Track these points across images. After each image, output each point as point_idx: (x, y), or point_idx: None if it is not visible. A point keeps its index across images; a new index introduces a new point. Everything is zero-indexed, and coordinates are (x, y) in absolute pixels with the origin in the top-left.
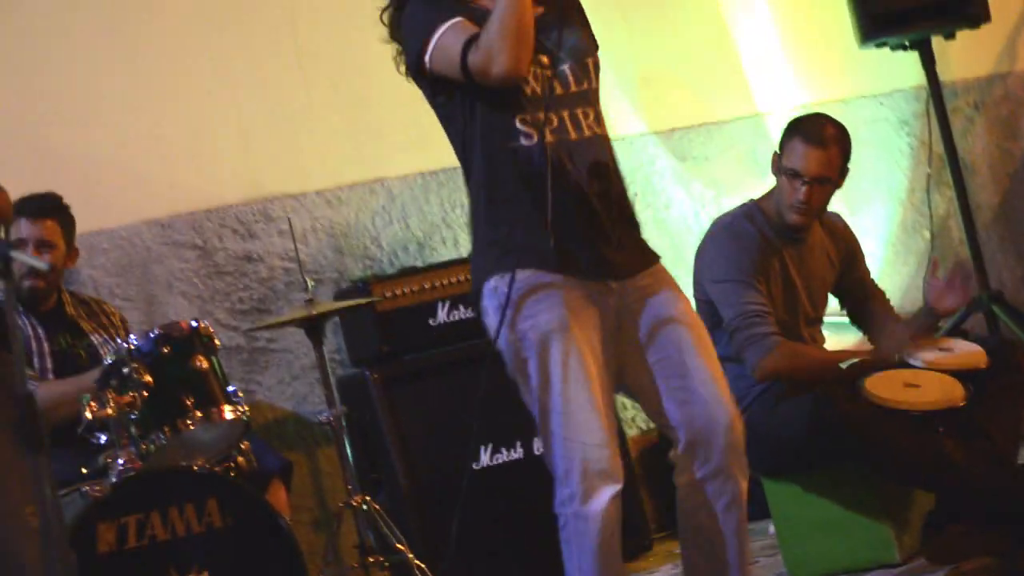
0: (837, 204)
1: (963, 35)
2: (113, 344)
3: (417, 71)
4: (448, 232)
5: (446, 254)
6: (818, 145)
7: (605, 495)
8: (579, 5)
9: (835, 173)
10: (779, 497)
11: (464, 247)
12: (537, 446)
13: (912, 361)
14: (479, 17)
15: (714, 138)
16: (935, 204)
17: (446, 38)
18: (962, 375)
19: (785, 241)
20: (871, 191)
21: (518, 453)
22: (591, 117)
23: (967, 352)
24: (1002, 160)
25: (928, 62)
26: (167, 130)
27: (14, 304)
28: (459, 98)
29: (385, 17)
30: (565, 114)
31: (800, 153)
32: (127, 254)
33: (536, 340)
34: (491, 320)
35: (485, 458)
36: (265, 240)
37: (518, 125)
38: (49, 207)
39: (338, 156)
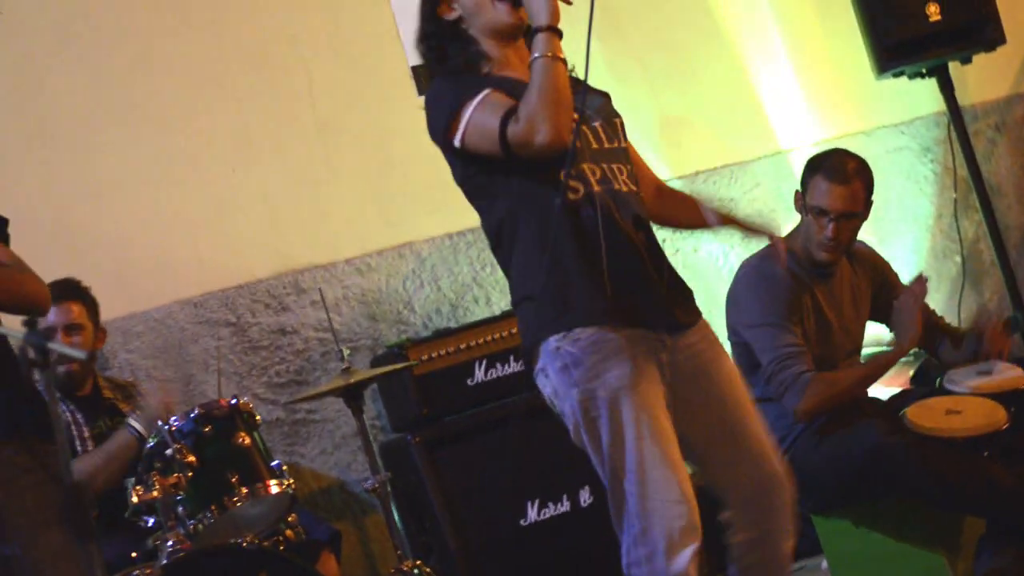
0: (866, 235)
1: (979, 58)
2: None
3: (445, 146)
4: (480, 291)
5: (479, 313)
6: (842, 181)
7: (687, 553)
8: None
9: (860, 207)
10: (830, 533)
11: (496, 305)
12: (584, 498)
13: (952, 387)
14: (507, 87)
15: (738, 179)
16: (964, 229)
17: (480, 114)
18: (1003, 397)
19: (814, 277)
20: (898, 220)
21: (565, 507)
22: (625, 174)
23: (1006, 373)
24: None
25: (946, 88)
26: (192, 209)
27: (54, 392)
28: (494, 168)
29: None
30: (604, 167)
31: (824, 190)
32: (161, 336)
33: (606, 398)
34: (554, 380)
35: (533, 513)
36: (298, 312)
37: (564, 179)
38: (71, 290)
39: (364, 223)
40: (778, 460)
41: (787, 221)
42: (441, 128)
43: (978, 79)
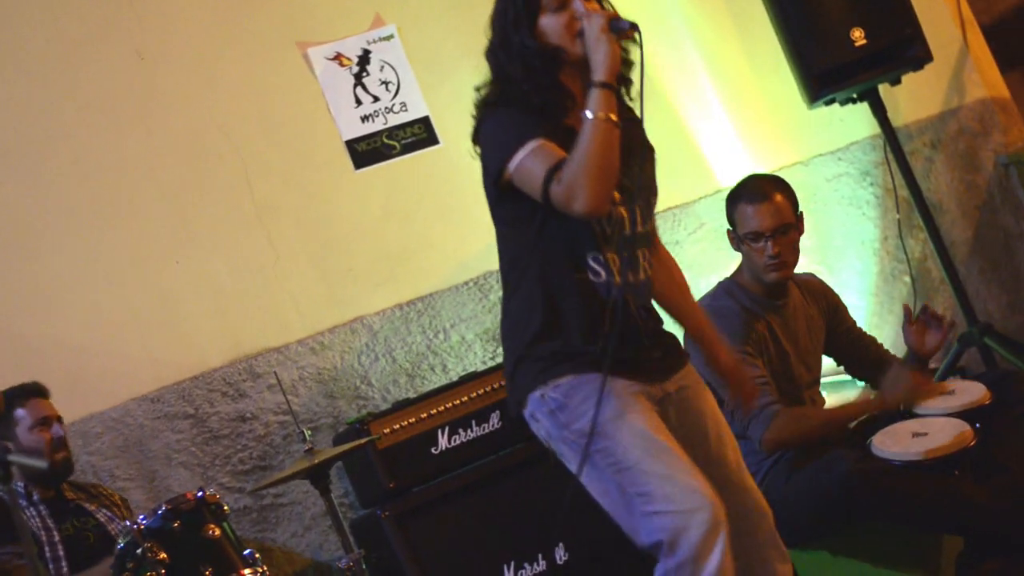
0: (814, 264)
1: (909, 78)
2: (120, 523)
3: (496, 183)
4: (435, 359)
5: (436, 380)
6: (762, 200)
7: (718, 547)
8: (647, 139)
9: (790, 218)
10: (809, 566)
11: (453, 371)
12: (559, 555)
13: (917, 411)
14: (562, 137)
15: (681, 221)
16: (910, 248)
17: (529, 162)
18: (966, 415)
19: (768, 310)
20: (845, 246)
21: (541, 566)
22: (647, 257)
23: (969, 391)
24: (968, 194)
25: (879, 110)
26: (141, 305)
27: (18, 497)
28: (533, 211)
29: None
30: (629, 254)
31: (750, 214)
32: (121, 434)
33: (599, 433)
34: (546, 424)
35: (509, 575)
36: (255, 398)
37: (590, 261)
38: (41, 388)
39: (313, 302)
40: (758, 492)
41: (735, 256)
42: (494, 167)
43: (909, 99)
